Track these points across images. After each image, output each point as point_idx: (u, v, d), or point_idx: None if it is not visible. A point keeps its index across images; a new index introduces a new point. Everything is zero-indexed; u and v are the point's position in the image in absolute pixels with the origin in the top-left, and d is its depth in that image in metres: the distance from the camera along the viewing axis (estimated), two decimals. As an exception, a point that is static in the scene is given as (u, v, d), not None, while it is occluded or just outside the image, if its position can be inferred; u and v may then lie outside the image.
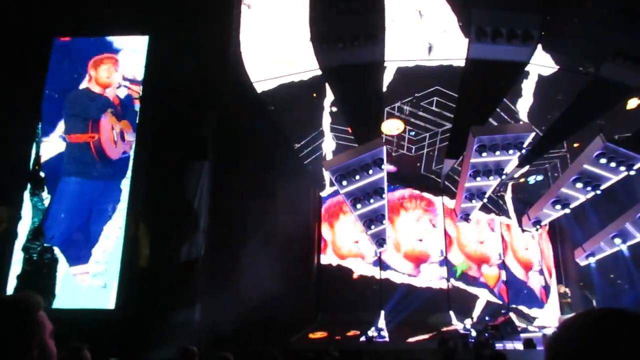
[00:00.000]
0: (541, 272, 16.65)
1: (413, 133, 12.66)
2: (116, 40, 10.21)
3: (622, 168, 10.05)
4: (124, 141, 9.68)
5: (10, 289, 8.84)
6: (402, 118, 12.13)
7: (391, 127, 12.28)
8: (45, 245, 9.03)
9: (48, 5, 9.58)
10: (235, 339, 9.90)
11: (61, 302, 8.82)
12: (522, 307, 15.70)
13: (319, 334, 13.47)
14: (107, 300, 8.80)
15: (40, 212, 9.25)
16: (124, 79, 10.00)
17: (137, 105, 9.91)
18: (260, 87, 10.51)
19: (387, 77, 10.48)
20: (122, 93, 9.98)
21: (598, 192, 10.87)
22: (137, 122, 9.68)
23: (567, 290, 14.88)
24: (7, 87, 9.31)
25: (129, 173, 9.37)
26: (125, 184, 9.32)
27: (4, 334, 1.42)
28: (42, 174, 9.46)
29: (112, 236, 9.11)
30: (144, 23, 9.96)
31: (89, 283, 8.92)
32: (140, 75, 10.01)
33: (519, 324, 13.50)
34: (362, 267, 15.58)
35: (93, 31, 10.15)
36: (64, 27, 10.09)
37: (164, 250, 9.43)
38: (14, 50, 9.41)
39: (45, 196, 9.31)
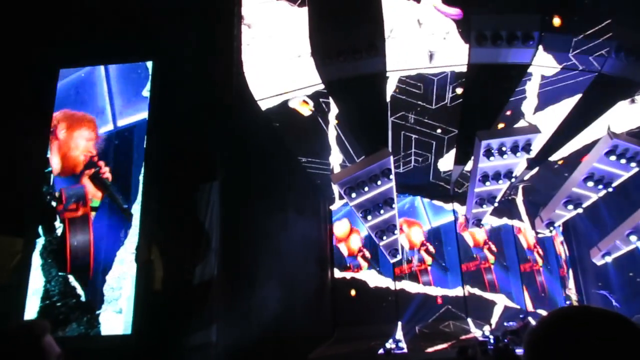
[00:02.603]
0: (558, 273, 16.48)
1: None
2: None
3: (633, 164, 9.98)
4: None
5: (28, 318, 8.88)
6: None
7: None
8: (60, 273, 9.08)
9: (50, 35, 9.73)
10: (253, 359, 9.84)
11: (79, 329, 8.84)
12: (540, 311, 15.52)
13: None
14: (123, 325, 8.81)
15: (54, 240, 9.31)
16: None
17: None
18: (264, 105, 10.59)
19: (390, 87, 10.52)
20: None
21: (610, 189, 10.79)
22: (144, 146, 9.75)
23: (572, 291, 14.70)
24: (17, 120, 9.45)
25: (139, 197, 9.43)
26: (136, 208, 9.37)
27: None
28: (54, 204, 9.53)
29: (125, 261, 9.15)
30: (148, 48, 10.09)
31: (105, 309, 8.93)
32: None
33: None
34: (376, 279, 15.51)
35: (98, 59, 10.28)
36: (68, 56, 10.23)
37: (178, 272, 9.44)
38: (23, 82, 9.56)
39: (58, 225, 9.37)
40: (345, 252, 15.86)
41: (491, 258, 15.94)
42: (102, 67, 10.20)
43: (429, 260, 15.64)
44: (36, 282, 9.09)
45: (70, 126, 9.97)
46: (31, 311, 8.94)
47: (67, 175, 9.68)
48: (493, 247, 16.11)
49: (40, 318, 8.88)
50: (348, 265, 15.63)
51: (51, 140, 9.89)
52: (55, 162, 9.79)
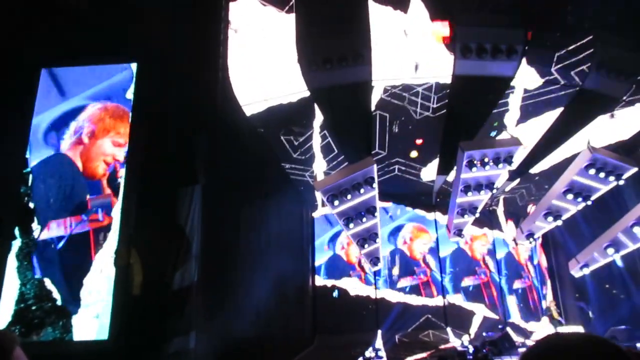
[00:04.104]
0: (536, 285, 16.65)
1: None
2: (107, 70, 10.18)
3: (612, 178, 10.15)
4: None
5: (3, 323, 8.68)
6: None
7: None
8: (36, 277, 8.91)
9: (32, 34, 9.59)
10: (232, 366, 9.74)
11: (54, 334, 8.67)
12: (518, 322, 15.65)
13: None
14: (100, 330, 8.66)
15: (31, 242, 9.13)
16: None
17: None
18: (249, 110, 10.55)
19: (376, 96, 10.57)
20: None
21: (589, 202, 10.95)
22: (127, 149, 9.64)
23: (552, 305, 14.85)
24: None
25: (119, 199, 9.30)
26: (116, 211, 9.25)
27: None
28: (31, 205, 9.36)
29: (103, 264, 9.00)
30: (132, 49, 10.00)
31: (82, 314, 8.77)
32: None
33: (517, 338, 13.43)
34: (357, 287, 15.50)
35: (80, 60, 10.16)
36: (50, 56, 10.09)
37: (157, 278, 9.32)
38: (2, 80, 9.39)
39: (35, 227, 9.20)
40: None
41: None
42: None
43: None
44: (11, 285, 8.89)
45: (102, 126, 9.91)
46: (5, 315, 8.74)
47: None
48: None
49: (8, 329, 8.67)
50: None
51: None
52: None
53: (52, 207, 9.35)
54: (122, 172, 9.46)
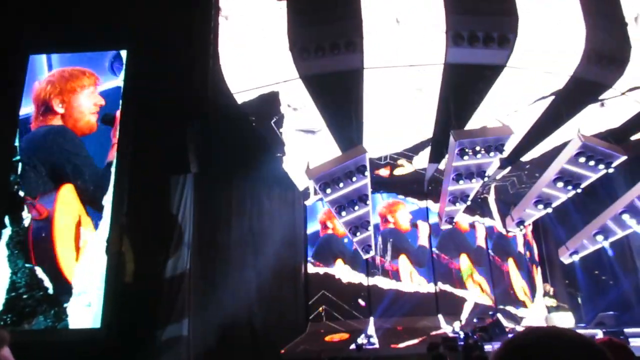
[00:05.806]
0: (527, 271, 16.82)
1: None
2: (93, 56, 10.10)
3: (601, 166, 10.21)
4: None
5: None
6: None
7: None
8: (27, 265, 8.88)
9: (22, 20, 9.48)
10: (224, 354, 9.80)
11: (46, 322, 8.66)
12: (509, 308, 15.81)
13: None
14: (92, 319, 8.66)
15: (21, 231, 9.09)
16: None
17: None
18: (240, 98, 10.48)
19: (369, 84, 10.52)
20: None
21: (579, 190, 11.03)
22: (117, 136, 9.59)
23: (552, 288, 15.01)
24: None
25: (110, 187, 9.27)
26: (108, 199, 9.21)
27: None
28: (21, 193, 9.31)
29: (96, 252, 8.99)
30: (123, 36, 9.91)
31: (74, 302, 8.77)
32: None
33: (507, 324, 13.58)
34: (349, 275, 15.57)
35: (71, 47, 10.05)
36: (40, 42, 9.98)
37: (150, 266, 9.32)
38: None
39: (26, 215, 9.16)
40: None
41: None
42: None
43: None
44: (2, 273, 8.87)
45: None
46: (-4, 304, 8.73)
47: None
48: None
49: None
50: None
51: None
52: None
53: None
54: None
